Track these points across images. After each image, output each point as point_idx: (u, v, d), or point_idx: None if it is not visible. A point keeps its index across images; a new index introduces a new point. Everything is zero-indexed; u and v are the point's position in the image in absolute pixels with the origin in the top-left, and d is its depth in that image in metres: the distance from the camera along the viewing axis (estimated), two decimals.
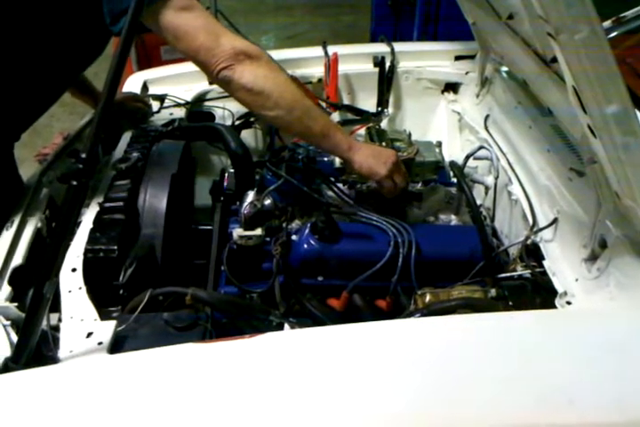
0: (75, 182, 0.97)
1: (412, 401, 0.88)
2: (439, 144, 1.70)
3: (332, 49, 2.15)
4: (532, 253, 1.49)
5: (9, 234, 1.41)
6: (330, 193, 1.62)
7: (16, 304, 1.26)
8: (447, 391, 0.90)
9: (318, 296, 1.55)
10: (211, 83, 2.06)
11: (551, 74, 1.37)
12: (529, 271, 1.38)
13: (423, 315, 1.17)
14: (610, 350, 0.98)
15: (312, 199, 1.57)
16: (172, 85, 2.18)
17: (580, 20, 0.75)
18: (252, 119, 2.15)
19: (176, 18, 1.31)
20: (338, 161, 1.66)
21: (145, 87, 2.20)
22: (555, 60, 1.28)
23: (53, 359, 1.12)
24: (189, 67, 2.15)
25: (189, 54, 1.35)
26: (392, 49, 2.13)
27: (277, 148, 1.78)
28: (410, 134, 1.69)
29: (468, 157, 1.69)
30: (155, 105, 2.11)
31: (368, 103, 2.16)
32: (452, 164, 1.66)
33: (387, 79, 2.09)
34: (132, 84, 2.21)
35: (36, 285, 1.02)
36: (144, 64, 2.59)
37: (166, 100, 2.14)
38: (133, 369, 1.00)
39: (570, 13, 0.76)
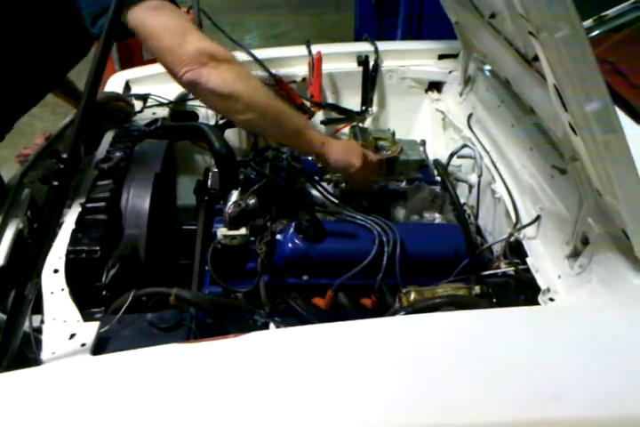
0: (56, 183, 0.96)
1: (400, 400, 0.88)
2: (423, 143, 1.70)
3: (315, 48, 2.15)
4: (516, 250, 1.50)
5: None
6: (314, 192, 1.62)
7: None
8: (434, 388, 0.91)
9: (303, 295, 1.55)
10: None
11: (533, 72, 1.38)
12: (512, 269, 1.39)
13: (408, 313, 1.17)
14: (594, 345, 0.99)
15: (296, 198, 1.57)
16: (155, 85, 2.16)
17: (561, 19, 0.75)
18: None
19: (146, 18, 1.28)
20: None
21: (127, 87, 2.19)
22: (536, 58, 1.29)
23: (36, 361, 1.11)
24: None
25: (156, 55, 1.31)
26: (376, 48, 2.14)
27: (261, 147, 1.77)
28: (394, 133, 1.69)
29: (451, 156, 1.70)
30: (137, 105, 2.09)
31: (352, 102, 2.16)
32: (436, 162, 1.66)
33: (371, 78, 2.09)
34: (115, 83, 2.19)
35: (17, 286, 1.01)
36: (126, 64, 2.57)
37: (149, 100, 2.12)
38: (117, 370, 0.99)
39: (550, 12, 0.76)
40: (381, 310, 1.50)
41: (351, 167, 1.51)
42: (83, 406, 0.93)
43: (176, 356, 0.99)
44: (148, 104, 2.11)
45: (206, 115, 2.17)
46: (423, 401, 0.90)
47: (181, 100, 2.15)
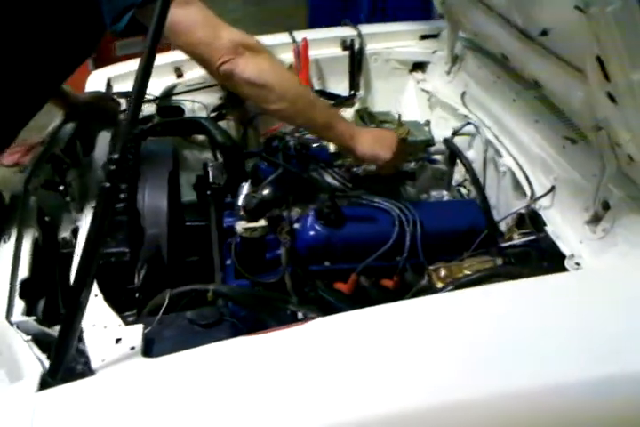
0: (108, 184, 0.94)
1: (481, 358, 0.94)
2: (427, 123, 1.73)
3: (298, 35, 2.15)
4: (525, 221, 1.56)
5: (9, 247, 1.34)
6: (327, 178, 1.63)
7: (34, 318, 1.21)
8: (508, 351, 0.96)
9: (325, 281, 1.57)
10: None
11: (536, 47, 1.41)
12: (533, 237, 1.43)
13: (455, 288, 1.21)
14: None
15: (311, 186, 1.58)
16: None
17: None
18: (224, 111, 2.13)
19: (175, 13, 1.27)
20: (332, 146, 1.67)
21: (109, 85, 2.13)
22: (545, 33, 1.33)
23: (90, 371, 1.09)
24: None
25: (189, 49, 1.32)
26: (359, 32, 2.15)
27: (269, 137, 1.77)
28: (400, 115, 1.71)
29: (454, 134, 1.73)
30: (122, 103, 2.05)
31: (339, 87, 2.17)
32: (446, 141, 1.69)
33: (357, 62, 2.11)
34: (95, 82, 2.13)
35: (73, 293, 0.99)
36: (99, 61, 2.49)
37: None
38: (192, 369, 0.99)
39: None
40: (403, 290, 1.54)
41: (378, 160, 1.53)
42: (164, 409, 0.93)
43: (251, 348, 0.99)
44: None
45: (192, 108, 2.15)
46: (502, 365, 0.95)
47: (167, 95, 2.11)
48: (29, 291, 1.30)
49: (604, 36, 0.87)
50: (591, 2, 0.83)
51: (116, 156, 0.93)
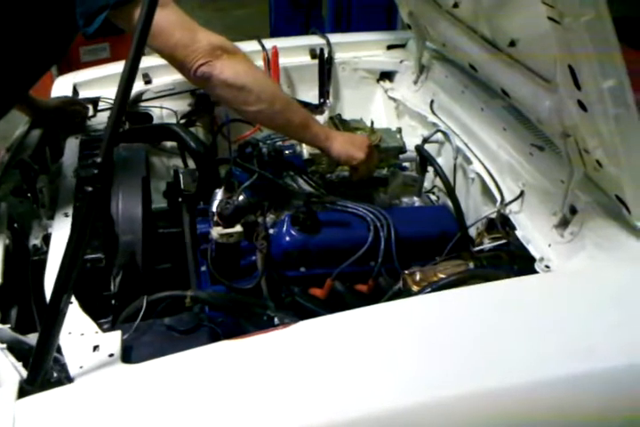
0: (90, 188, 0.93)
1: (462, 357, 0.97)
2: (399, 130, 1.76)
3: (266, 43, 2.16)
4: (495, 226, 1.60)
5: None
6: (301, 184, 1.64)
7: (9, 326, 1.18)
8: (482, 351, 0.99)
9: (300, 287, 1.58)
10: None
11: (504, 58, 1.47)
12: (504, 241, 1.48)
13: (433, 290, 1.23)
14: (611, 302, 1.09)
15: (286, 192, 1.59)
16: (104, 88, 2.09)
17: (587, 5, 0.83)
18: (193, 118, 2.12)
19: (156, 15, 1.28)
20: (306, 153, 1.68)
21: (75, 91, 2.10)
22: (513, 44, 1.39)
23: (68, 379, 1.07)
24: (119, 67, 2.09)
25: (165, 52, 1.32)
26: (327, 41, 2.18)
27: (242, 143, 1.77)
28: (372, 122, 1.74)
29: (425, 141, 1.77)
30: (89, 108, 2.02)
31: (309, 95, 2.19)
32: (418, 148, 1.73)
33: (326, 71, 2.13)
34: (60, 88, 2.10)
35: (52, 300, 0.97)
36: (64, 67, 2.46)
37: (100, 103, 2.05)
38: (177, 375, 0.98)
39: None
40: (377, 294, 1.56)
41: (353, 160, 1.56)
42: (148, 415, 0.92)
43: (232, 353, 0.99)
44: (99, 107, 2.04)
45: (160, 115, 2.13)
46: (479, 359, 0.97)
47: (134, 101, 2.09)
48: (2, 298, 1.27)
49: (577, 46, 0.91)
50: (565, 13, 0.88)
51: (99, 160, 0.92)
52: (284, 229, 1.52)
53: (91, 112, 2.01)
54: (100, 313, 1.32)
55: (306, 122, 1.48)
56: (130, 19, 1.24)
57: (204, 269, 1.58)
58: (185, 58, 1.31)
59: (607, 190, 1.22)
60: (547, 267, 1.34)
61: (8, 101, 1.49)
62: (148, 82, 2.10)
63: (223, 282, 1.47)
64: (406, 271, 1.46)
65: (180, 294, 1.30)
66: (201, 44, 1.30)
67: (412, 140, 1.89)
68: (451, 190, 1.61)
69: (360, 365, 0.95)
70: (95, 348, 1.13)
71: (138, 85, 2.10)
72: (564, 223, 1.37)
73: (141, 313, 1.24)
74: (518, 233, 1.46)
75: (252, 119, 1.62)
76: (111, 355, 1.11)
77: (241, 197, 1.56)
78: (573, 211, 1.35)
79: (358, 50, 2.23)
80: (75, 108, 1.90)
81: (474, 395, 0.98)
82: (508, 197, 1.53)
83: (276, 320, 1.36)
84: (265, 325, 1.34)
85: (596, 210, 1.29)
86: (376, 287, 1.57)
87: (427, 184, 1.94)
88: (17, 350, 1.13)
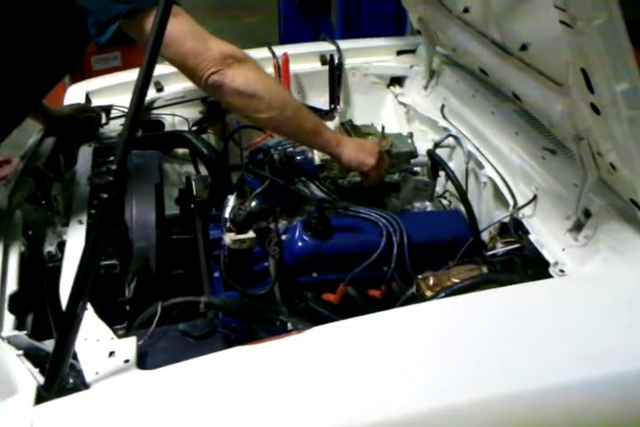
0: (105, 195, 0.94)
1: (476, 362, 0.96)
2: (410, 135, 1.77)
3: (277, 50, 2.17)
4: (507, 230, 1.60)
5: None
6: (313, 190, 1.65)
7: (26, 332, 1.19)
8: (498, 356, 0.99)
9: (313, 292, 1.58)
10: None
11: (515, 62, 1.47)
12: (517, 246, 1.47)
13: (447, 295, 1.23)
14: (626, 305, 1.08)
15: (298, 198, 1.59)
16: (116, 96, 2.11)
17: (600, 9, 0.83)
18: (205, 125, 2.14)
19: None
20: (317, 159, 1.69)
21: (88, 99, 2.12)
22: (524, 48, 1.39)
23: (84, 385, 1.07)
24: (131, 75, 2.11)
25: (177, 61, 1.32)
26: (337, 47, 2.19)
27: (254, 149, 1.78)
28: (383, 127, 1.74)
29: (436, 145, 1.77)
30: (102, 115, 2.04)
31: (319, 101, 2.20)
32: (430, 152, 1.73)
33: (337, 76, 2.14)
34: (73, 96, 2.12)
35: (69, 306, 0.98)
36: (76, 75, 2.48)
37: (113, 111, 2.07)
38: (193, 381, 0.99)
39: (590, 3, 0.83)
40: (390, 299, 1.56)
41: (364, 166, 1.56)
42: (165, 421, 0.93)
43: (248, 359, 1.00)
44: (112, 115, 2.06)
45: (172, 122, 2.15)
46: (494, 368, 0.97)
47: (147, 109, 2.11)
48: (18, 305, 1.28)
49: (590, 49, 0.91)
50: (577, 17, 0.88)
51: (114, 167, 0.93)
52: (297, 234, 1.52)
53: (103, 120, 2.03)
54: (115, 319, 1.32)
55: (317, 128, 1.48)
56: (141, 28, 1.25)
57: (216, 275, 1.58)
58: (196, 66, 1.31)
59: (621, 194, 1.22)
60: (561, 271, 1.34)
61: (22, 110, 1.51)
62: (159, 90, 2.12)
63: (236, 288, 1.47)
64: (420, 276, 1.46)
65: (195, 300, 1.30)
66: (212, 53, 1.31)
67: (422, 145, 1.89)
68: (463, 195, 1.61)
69: (374, 371, 0.95)
70: (111, 354, 1.14)
71: (150, 93, 2.08)
72: (577, 227, 1.37)
73: (156, 319, 1.25)
74: (532, 237, 1.45)
75: (264, 126, 1.62)
76: (127, 361, 1.12)
77: (253, 204, 1.56)
78: (587, 214, 1.34)
79: (368, 55, 2.24)
80: (88, 115, 1.92)
81: (488, 400, 0.98)
82: (520, 202, 1.53)
83: (289, 326, 1.37)
84: (278, 330, 1.35)
85: (610, 213, 1.28)
86: (389, 292, 1.57)
87: (438, 189, 1.94)
88: (33, 356, 1.14)
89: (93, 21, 1.26)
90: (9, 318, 1.21)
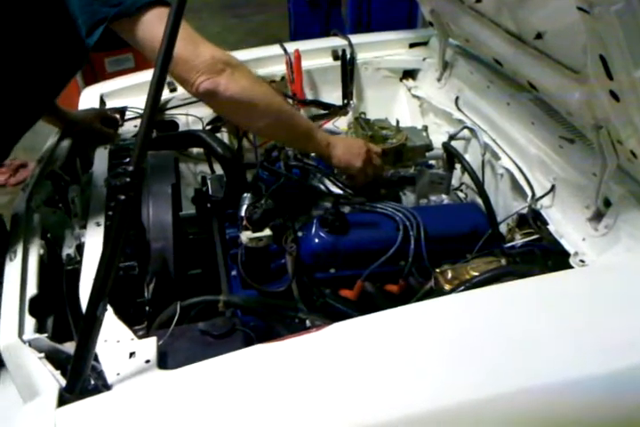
0: (123, 197, 0.94)
1: (499, 355, 0.96)
2: (425, 128, 1.75)
3: (288, 46, 2.17)
4: (525, 221, 1.58)
5: (16, 264, 1.34)
6: (330, 186, 1.64)
7: (46, 335, 1.20)
8: (526, 349, 0.97)
9: (331, 289, 1.57)
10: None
11: (530, 51, 1.44)
12: (536, 237, 1.45)
13: (467, 288, 1.22)
14: None
15: (313, 194, 1.58)
16: (130, 97, 2.12)
17: None
18: (219, 124, 2.14)
19: (154, 28, 1.24)
20: None
21: (102, 101, 2.13)
22: (539, 36, 1.36)
23: (106, 386, 1.08)
24: (144, 76, 2.12)
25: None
26: (349, 41, 2.18)
27: (268, 147, 1.77)
28: (398, 122, 1.73)
29: (451, 138, 1.76)
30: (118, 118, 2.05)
31: (331, 96, 2.19)
32: (445, 145, 1.71)
33: (349, 71, 2.13)
34: (88, 99, 2.13)
35: (89, 307, 0.99)
36: (90, 78, 2.50)
37: (127, 113, 2.08)
38: (215, 380, 0.99)
39: None
40: (408, 294, 1.55)
41: (352, 168, 1.55)
42: (189, 421, 0.93)
43: (269, 356, 0.99)
44: (126, 117, 2.07)
45: (186, 122, 2.15)
46: (517, 362, 0.96)
47: (161, 109, 2.11)
48: (39, 308, 1.29)
49: (608, 35, 0.89)
50: (595, 2, 0.86)
51: (130, 168, 0.93)
52: (313, 231, 1.51)
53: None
54: (135, 320, 1.33)
55: (309, 131, 1.46)
56: (130, 31, 1.23)
57: (234, 273, 1.58)
58: (187, 72, 1.26)
59: None
60: (582, 261, 1.32)
61: (32, 113, 1.50)
62: (173, 90, 2.12)
63: (254, 286, 1.47)
64: (438, 269, 1.45)
65: (214, 299, 1.31)
66: (204, 59, 1.26)
67: (437, 138, 1.87)
68: (480, 187, 1.59)
69: (395, 367, 0.95)
70: (131, 355, 1.14)
71: (163, 94, 2.09)
72: (597, 216, 1.35)
73: (175, 319, 1.25)
74: (551, 228, 1.43)
75: (257, 133, 1.60)
76: (147, 361, 1.12)
77: (269, 201, 1.57)
78: (607, 203, 1.32)
79: (380, 49, 2.22)
80: (106, 115, 1.92)
81: (512, 394, 0.97)
82: (538, 192, 1.51)
83: (307, 323, 1.37)
84: (297, 328, 1.34)
85: (631, 201, 1.26)
86: (407, 287, 1.56)
87: (454, 181, 1.92)
88: (55, 359, 1.15)
89: (82, 22, 1.24)
90: (30, 322, 1.22)
